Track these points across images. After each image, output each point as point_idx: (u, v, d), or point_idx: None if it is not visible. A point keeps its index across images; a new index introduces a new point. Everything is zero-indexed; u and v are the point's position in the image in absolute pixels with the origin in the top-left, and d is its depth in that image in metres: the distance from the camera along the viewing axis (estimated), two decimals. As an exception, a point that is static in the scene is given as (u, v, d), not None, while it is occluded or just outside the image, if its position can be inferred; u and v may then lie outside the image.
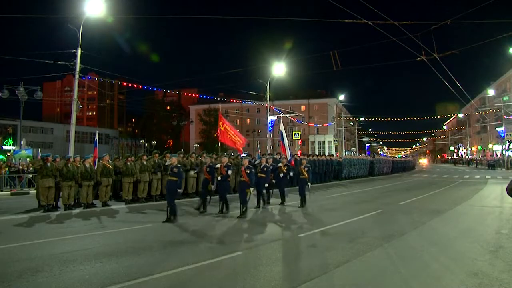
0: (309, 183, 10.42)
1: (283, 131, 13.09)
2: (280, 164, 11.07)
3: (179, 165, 8.26)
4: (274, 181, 10.92)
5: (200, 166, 12.02)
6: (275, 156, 16.84)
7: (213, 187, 9.06)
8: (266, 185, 10.13)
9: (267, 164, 10.37)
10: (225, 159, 9.30)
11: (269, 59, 36.16)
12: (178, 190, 8.00)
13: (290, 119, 53.90)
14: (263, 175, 10.11)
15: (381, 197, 12.85)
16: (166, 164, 9.40)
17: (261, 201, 10.21)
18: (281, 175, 10.88)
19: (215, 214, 8.75)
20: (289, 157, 12.00)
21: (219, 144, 17.14)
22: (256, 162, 11.85)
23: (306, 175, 10.33)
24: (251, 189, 8.73)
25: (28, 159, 21.25)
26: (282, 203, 10.65)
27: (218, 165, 9.19)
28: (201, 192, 9.66)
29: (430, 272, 4.56)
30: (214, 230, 7.26)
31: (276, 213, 9.60)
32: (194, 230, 7.24)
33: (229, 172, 8.92)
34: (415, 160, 63.50)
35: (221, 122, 14.71)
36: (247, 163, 9.09)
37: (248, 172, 8.80)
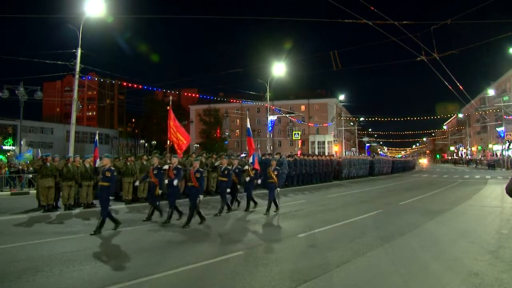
0: (278, 188, 9.39)
1: (249, 127, 11.51)
2: (246, 167, 10.09)
3: (112, 168, 7.23)
4: (239, 186, 9.97)
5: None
6: (275, 156, 16.86)
7: (160, 191, 8.06)
8: (228, 190, 9.07)
9: (228, 167, 9.39)
10: (175, 160, 8.24)
11: (269, 59, 36.19)
12: (111, 198, 7.10)
13: (290, 119, 53.91)
14: (224, 179, 9.16)
15: (381, 197, 12.85)
16: (97, 166, 8.30)
17: (228, 205, 9.29)
18: (248, 179, 9.83)
19: (163, 223, 7.71)
20: (251, 159, 10.31)
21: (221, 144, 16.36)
22: (216, 164, 10.72)
23: (275, 179, 9.27)
24: (201, 196, 7.69)
25: (27, 160, 21.22)
26: (247, 209, 9.56)
27: (166, 167, 8.25)
28: (148, 198, 8.51)
29: (430, 272, 4.57)
30: (214, 231, 7.26)
31: (250, 218, 8.60)
32: (193, 231, 7.23)
33: (178, 175, 8.01)
34: (415, 160, 63.41)
35: (170, 117, 12.15)
36: (198, 166, 7.97)
37: (198, 176, 7.70)
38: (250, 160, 10.30)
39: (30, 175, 16.39)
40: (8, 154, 41.05)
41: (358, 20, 9.94)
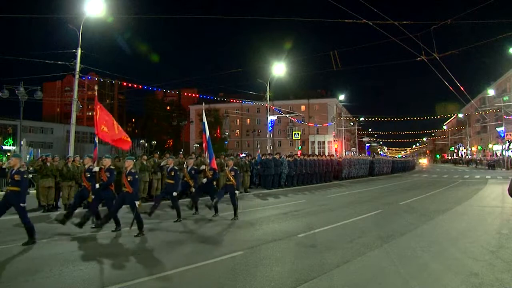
0: (237, 191, 8.49)
1: (205, 122, 10.28)
2: (203, 167, 9.16)
3: (22, 170, 6.12)
4: (193, 189, 9.04)
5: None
6: (275, 156, 16.86)
7: (92, 197, 7.20)
8: (175, 193, 8.10)
9: (175, 167, 8.41)
10: (107, 161, 7.21)
11: (269, 59, 36.15)
12: (22, 205, 5.93)
13: (290, 119, 53.92)
14: (170, 181, 8.23)
15: (381, 197, 12.85)
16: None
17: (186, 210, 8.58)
18: (205, 180, 8.95)
19: (91, 228, 7.12)
20: (209, 159, 9.43)
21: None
22: (162, 163, 9.57)
23: (233, 181, 8.42)
24: (137, 202, 6.70)
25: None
26: (216, 213, 8.66)
27: (97, 169, 7.20)
28: (72, 204, 7.64)
29: (430, 272, 4.57)
30: (214, 231, 7.26)
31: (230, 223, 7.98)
32: (194, 231, 7.24)
33: (111, 178, 7.02)
34: (415, 160, 63.44)
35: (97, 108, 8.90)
36: (131, 166, 6.91)
37: (131, 179, 6.69)
38: (207, 158, 9.44)
39: (30, 175, 16.38)
40: (8, 154, 41.05)
41: (358, 20, 9.95)
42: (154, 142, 55.14)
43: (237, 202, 8.44)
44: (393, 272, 4.55)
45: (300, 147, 45.13)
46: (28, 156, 22.77)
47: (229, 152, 44.37)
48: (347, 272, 4.56)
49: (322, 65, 36.92)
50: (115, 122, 8.77)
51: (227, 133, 64.20)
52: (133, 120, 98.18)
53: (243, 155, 20.86)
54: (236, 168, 8.81)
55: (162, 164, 9.42)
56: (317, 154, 34.11)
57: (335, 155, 30.21)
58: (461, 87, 16.91)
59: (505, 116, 39.31)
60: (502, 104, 40.25)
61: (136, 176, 6.84)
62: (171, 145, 70.29)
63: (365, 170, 24.81)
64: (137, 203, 6.64)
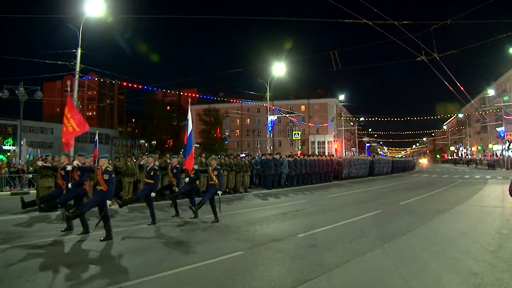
0: (219, 192, 8.13)
1: (190, 118, 9.60)
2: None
3: None
4: (176, 188, 8.70)
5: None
6: (275, 156, 16.86)
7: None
8: (153, 194, 7.90)
9: (154, 167, 8.13)
10: (80, 159, 7.15)
11: (269, 59, 36.10)
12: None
13: (290, 119, 53.91)
14: (149, 181, 7.97)
15: (381, 197, 12.85)
16: None
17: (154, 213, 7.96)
18: (187, 179, 8.54)
19: (61, 231, 7.00)
20: (185, 155, 8.91)
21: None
22: (141, 163, 9.15)
23: (216, 180, 8.14)
24: (109, 202, 6.44)
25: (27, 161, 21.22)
26: (196, 216, 8.31)
27: (69, 168, 7.03)
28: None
29: (430, 272, 4.57)
30: (214, 231, 7.26)
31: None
32: (194, 231, 7.24)
33: (84, 177, 6.91)
34: (415, 160, 63.46)
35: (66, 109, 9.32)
36: (105, 164, 6.72)
37: (107, 178, 6.51)
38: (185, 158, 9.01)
39: (30, 175, 16.39)
40: (8, 154, 41.07)
41: (358, 20, 9.95)
42: (154, 142, 55.12)
43: (208, 201, 8.01)
44: (393, 272, 4.55)
45: (300, 147, 45.17)
46: (28, 156, 22.79)
47: (229, 152, 44.35)
48: (347, 272, 4.56)
49: (322, 65, 37.12)
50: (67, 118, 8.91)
51: (227, 133, 64.12)
52: (133, 120, 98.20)
53: (243, 155, 20.85)
54: (219, 167, 8.60)
55: (142, 163, 9.03)
56: (317, 154, 34.11)
57: (335, 155, 30.20)
58: (461, 87, 16.94)
59: (505, 116, 39.30)
60: (502, 104, 40.23)
61: (112, 175, 6.68)
62: (171, 145, 70.22)
63: (365, 170, 24.80)
64: (108, 202, 6.44)
